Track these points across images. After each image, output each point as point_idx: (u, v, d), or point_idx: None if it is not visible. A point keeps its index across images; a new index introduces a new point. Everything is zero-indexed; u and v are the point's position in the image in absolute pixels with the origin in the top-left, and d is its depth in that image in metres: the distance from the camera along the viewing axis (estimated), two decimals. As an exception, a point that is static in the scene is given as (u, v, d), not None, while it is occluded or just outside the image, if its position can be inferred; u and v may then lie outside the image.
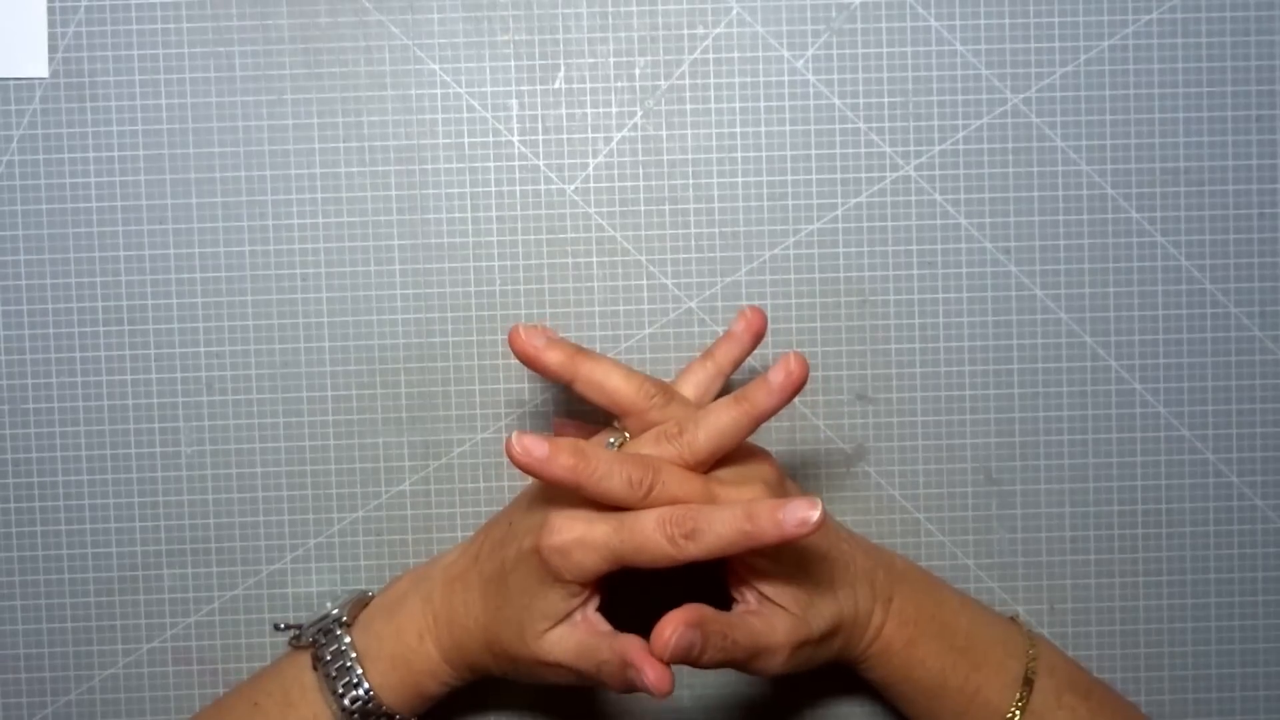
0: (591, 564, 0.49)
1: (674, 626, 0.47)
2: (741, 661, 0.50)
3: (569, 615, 0.50)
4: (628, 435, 0.53)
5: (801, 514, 0.47)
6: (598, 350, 0.59)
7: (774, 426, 0.59)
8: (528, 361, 0.53)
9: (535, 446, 0.49)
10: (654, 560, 0.48)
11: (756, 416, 0.51)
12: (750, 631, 0.50)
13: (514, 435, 0.49)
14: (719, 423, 0.51)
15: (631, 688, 0.49)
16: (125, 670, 0.60)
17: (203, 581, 0.60)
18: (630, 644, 0.49)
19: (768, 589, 0.51)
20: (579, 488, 0.49)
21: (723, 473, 0.52)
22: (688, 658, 0.48)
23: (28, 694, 0.59)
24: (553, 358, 0.53)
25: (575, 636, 0.50)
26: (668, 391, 0.53)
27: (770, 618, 0.50)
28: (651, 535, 0.48)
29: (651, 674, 0.48)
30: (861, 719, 0.60)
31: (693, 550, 0.48)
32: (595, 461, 0.49)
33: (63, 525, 0.59)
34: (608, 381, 0.52)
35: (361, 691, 0.53)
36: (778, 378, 0.51)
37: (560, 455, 0.49)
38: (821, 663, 0.53)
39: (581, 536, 0.49)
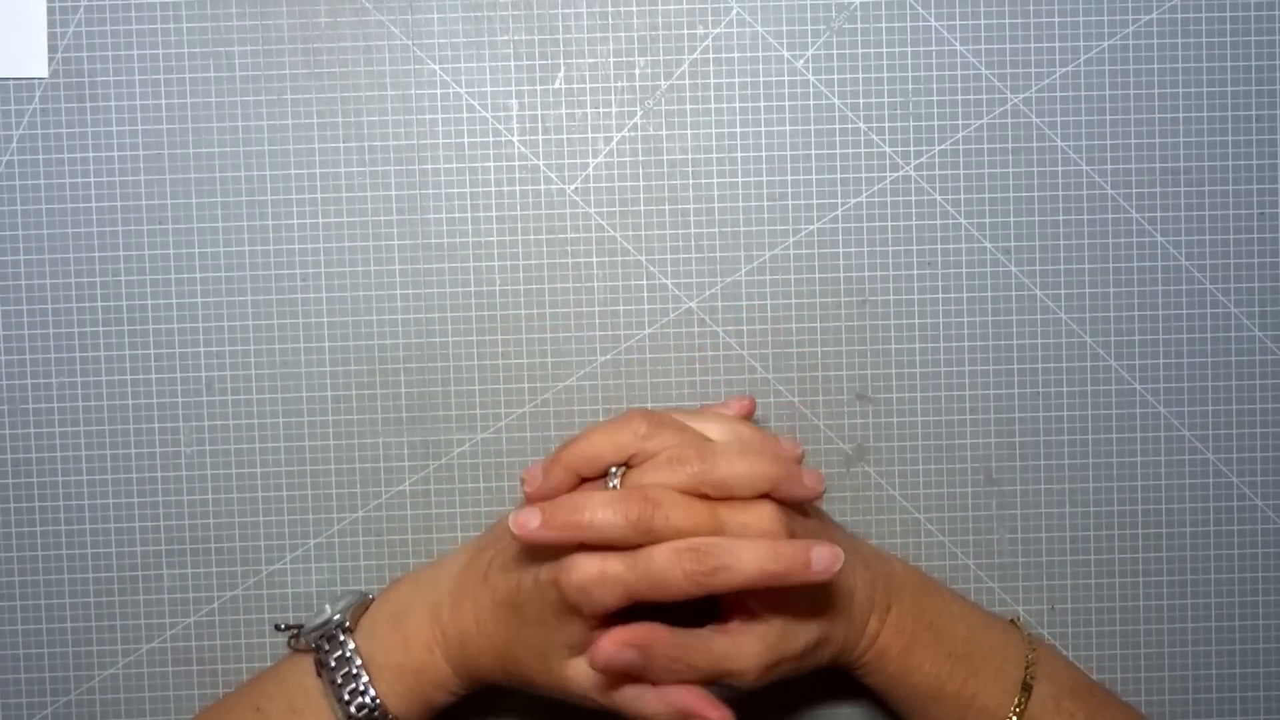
0: (612, 601, 0.48)
1: (612, 645, 0.48)
2: (704, 682, 0.50)
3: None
4: (627, 466, 0.51)
5: (827, 563, 0.48)
6: (597, 351, 0.59)
7: (774, 427, 0.59)
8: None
9: (529, 519, 0.49)
10: (674, 596, 0.48)
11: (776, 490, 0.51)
12: (710, 654, 0.49)
13: (512, 515, 0.49)
14: (737, 470, 0.50)
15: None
16: (125, 670, 0.60)
17: (203, 581, 0.60)
18: (682, 695, 0.49)
19: (753, 601, 0.50)
20: (582, 543, 0.49)
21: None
22: (630, 674, 0.48)
23: (28, 694, 0.59)
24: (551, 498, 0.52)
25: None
26: (653, 419, 0.52)
27: (739, 636, 0.50)
28: (668, 572, 0.48)
29: (717, 716, 0.49)
30: (861, 719, 0.60)
31: (715, 586, 0.48)
32: (588, 513, 0.48)
33: (63, 525, 0.59)
34: (592, 449, 0.51)
35: (368, 699, 0.53)
36: (811, 481, 0.51)
37: (553, 523, 0.48)
38: (812, 669, 0.53)
39: (600, 574, 0.48)
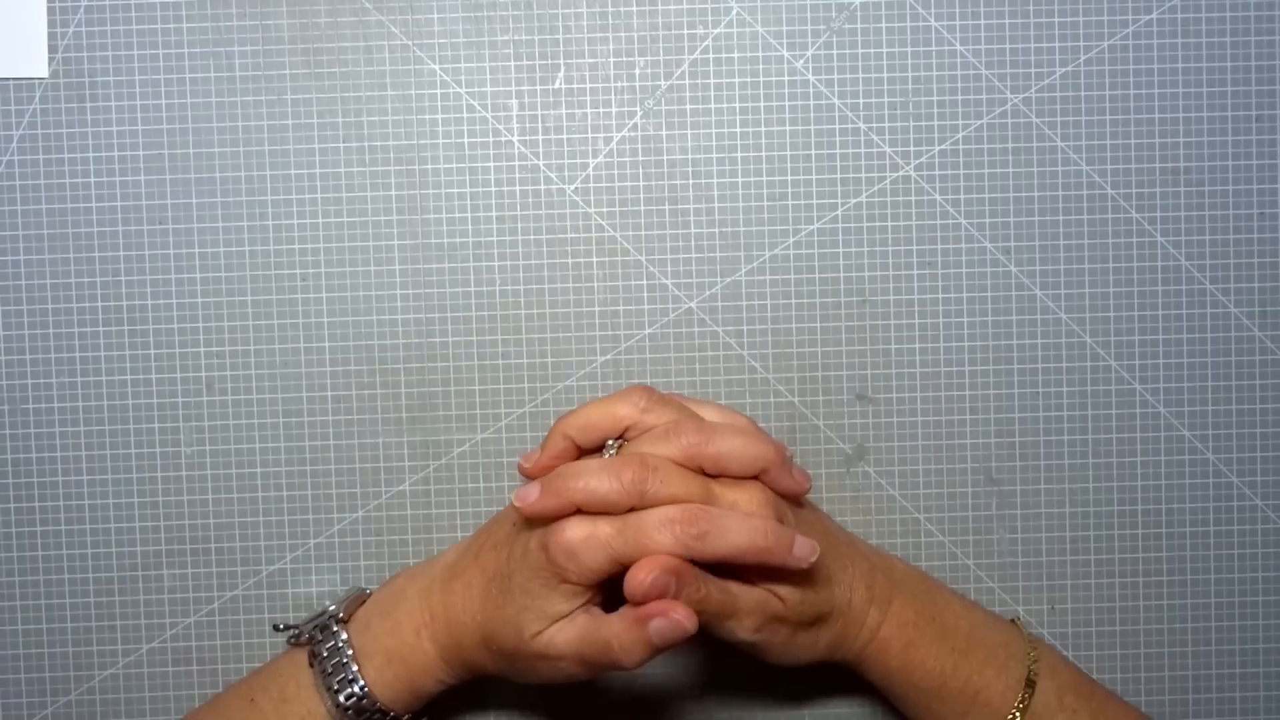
0: (597, 564, 0.49)
1: (649, 570, 0.48)
2: (713, 616, 0.50)
3: (569, 615, 0.50)
4: (623, 439, 0.53)
5: (805, 551, 0.49)
6: (597, 351, 0.59)
7: (774, 427, 0.59)
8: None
9: (529, 492, 0.50)
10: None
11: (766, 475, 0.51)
12: (724, 588, 0.50)
13: (515, 492, 0.50)
14: (733, 446, 0.51)
15: (648, 652, 0.49)
16: (125, 670, 0.60)
17: (203, 581, 0.60)
18: (642, 607, 0.49)
19: (745, 573, 0.51)
20: (581, 507, 0.49)
21: None
22: (663, 595, 0.49)
23: (28, 694, 0.59)
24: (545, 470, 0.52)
25: (575, 625, 0.50)
26: (653, 395, 0.53)
27: (738, 591, 0.51)
28: (656, 535, 0.48)
29: (680, 612, 0.48)
30: (861, 719, 0.60)
31: (701, 552, 0.48)
32: (584, 478, 0.49)
33: (63, 525, 0.59)
34: (590, 418, 0.52)
35: (357, 688, 0.53)
36: (799, 476, 0.52)
37: (550, 490, 0.49)
38: (812, 656, 0.53)
39: (589, 535, 0.49)
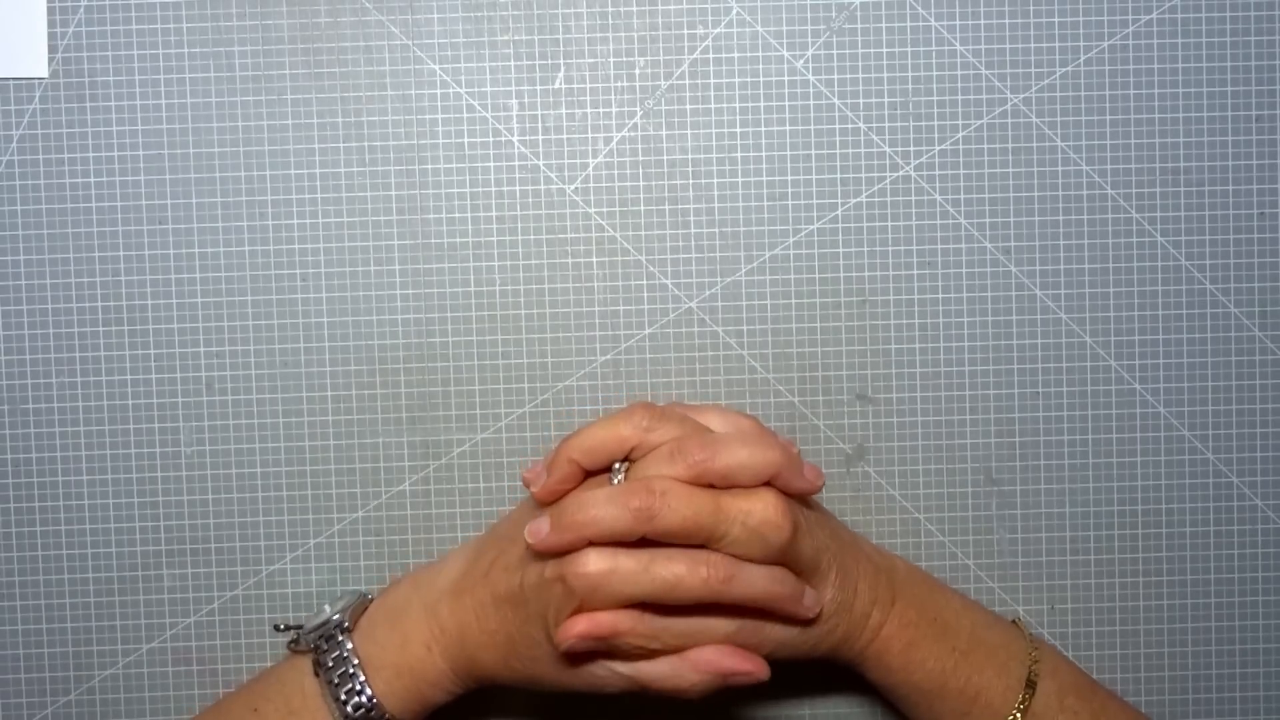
0: (623, 597, 0.49)
1: (576, 636, 0.49)
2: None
3: None
4: (630, 460, 0.52)
5: (811, 602, 0.51)
6: (597, 351, 0.59)
7: (774, 427, 0.59)
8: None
9: (540, 527, 0.50)
10: (686, 599, 0.49)
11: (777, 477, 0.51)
12: (678, 634, 0.50)
13: (527, 527, 0.50)
14: (740, 458, 0.50)
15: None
16: (125, 670, 0.60)
17: (203, 581, 0.60)
18: (710, 655, 0.50)
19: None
20: (592, 540, 0.49)
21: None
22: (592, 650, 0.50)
23: (28, 694, 0.59)
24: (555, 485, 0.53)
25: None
26: (655, 412, 0.52)
27: (711, 620, 0.51)
28: (686, 579, 0.48)
29: (754, 667, 0.50)
30: (861, 719, 0.60)
31: (727, 596, 0.49)
32: (593, 509, 0.49)
33: (63, 525, 0.59)
34: (594, 440, 0.52)
35: (364, 699, 0.53)
36: (811, 475, 0.52)
37: (560, 525, 0.49)
38: (810, 655, 0.53)
39: (610, 570, 0.49)
